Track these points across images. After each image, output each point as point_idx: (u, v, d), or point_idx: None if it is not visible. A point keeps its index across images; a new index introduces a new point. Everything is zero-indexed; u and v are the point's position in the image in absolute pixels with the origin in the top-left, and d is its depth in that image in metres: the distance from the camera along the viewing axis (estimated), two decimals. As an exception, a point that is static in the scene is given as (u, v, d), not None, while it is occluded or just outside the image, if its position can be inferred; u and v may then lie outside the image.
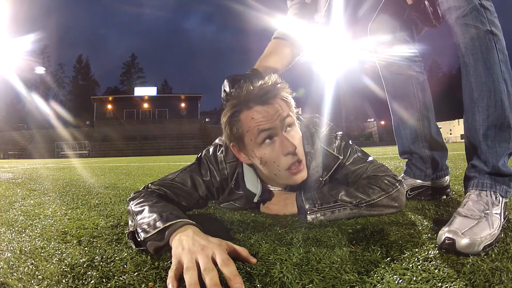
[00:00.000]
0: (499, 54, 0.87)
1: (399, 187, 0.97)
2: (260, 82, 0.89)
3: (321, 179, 1.03)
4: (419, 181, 1.27)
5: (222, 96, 0.98)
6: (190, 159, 8.77)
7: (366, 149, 1.13)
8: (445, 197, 1.27)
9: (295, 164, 0.90)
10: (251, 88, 0.88)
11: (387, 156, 6.00)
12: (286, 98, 0.93)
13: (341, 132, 1.08)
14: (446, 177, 1.27)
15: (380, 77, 1.34)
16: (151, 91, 40.92)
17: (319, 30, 1.22)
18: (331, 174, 1.04)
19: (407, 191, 1.25)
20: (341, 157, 1.02)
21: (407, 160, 1.34)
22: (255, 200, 1.04)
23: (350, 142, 1.08)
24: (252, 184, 1.01)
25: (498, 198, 0.83)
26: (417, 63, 1.24)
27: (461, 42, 0.91)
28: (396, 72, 1.25)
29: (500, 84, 0.86)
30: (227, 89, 0.94)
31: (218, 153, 1.03)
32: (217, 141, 1.10)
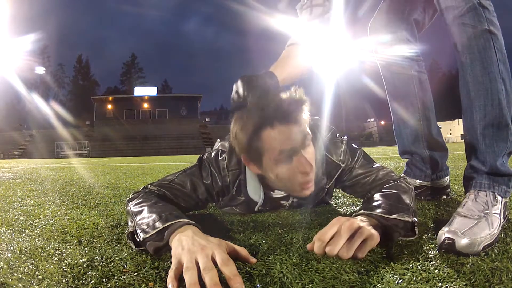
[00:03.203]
0: (497, 53, 0.86)
1: (412, 186, 0.96)
2: (286, 96, 0.83)
3: (326, 187, 1.03)
4: (419, 181, 1.27)
5: (233, 96, 0.89)
6: (190, 159, 8.77)
7: (366, 149, 1.12)
8: (445, 197, 1.27)
9: (308, 181, 0.89)
10: (276, 104, 0.81)
11: (387, 156, 6.00)
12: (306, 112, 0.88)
13: (346, 137, 1.07)
14: (446, 177, 1.27)
15: (380, 77, 1.34)
16: (151, 91, 40.97)
17: (326, 30, 1.20)
18: (334, 181, 1.03)
19: None
20: (343, 165, 1.00)
21: (407, 160, 1.34)
22: (256, 209, 1.03)
23: (354, 145, 1.07)
24: (254, 192, 1.00)
25: (497, 198, 0.83)
26: (418, 62, 1.24)
27: (458, 42, 0.90)
28: (397, 71, 1.25)
29: (497, 83, 0.86)
30: (241, 91, 0.86)
31: (220, 159, 1.00)
32: (218, 146, 1.07)
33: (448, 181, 1.28)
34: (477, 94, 0.88)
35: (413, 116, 1.25)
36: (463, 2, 0.87)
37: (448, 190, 1.29)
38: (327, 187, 1.04)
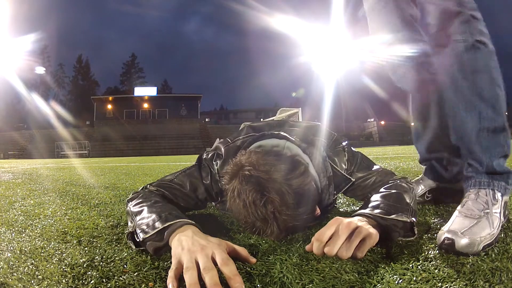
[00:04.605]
0: (489, 61, 0.89)
1: (413, 185, 0.96)
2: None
3: (334, 198, 1.02)
4: (437, 182, 1.23)
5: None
6: (190, 159, 8.76)
7: (366, 149, 1.12)
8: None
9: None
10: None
11: (387, 156, 6.00)
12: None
13: (346, 142, 1.07)
14: None
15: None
16: (151, 91, 40.94)
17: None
18: (342, 192, 1.02)
19: (424, 193, 1.22)
20: (353, 180, 0.98)
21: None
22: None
23: (353, 149, 1.07)
24: None
25: (497, 196, 0.83)
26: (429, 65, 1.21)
27: (450, 56, 0.92)
28: (413, 78, 1.21)
29: (492, 90, 0.87)
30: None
31: (214, 163, 0.99)
32: (215, 147, 1.06)
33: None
34: (471, 100, 0.89)
35: (432, 123, 1.20)
36: (456, 19, 0.89)
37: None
38: (335, 197, 1.04)
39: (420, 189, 1.23)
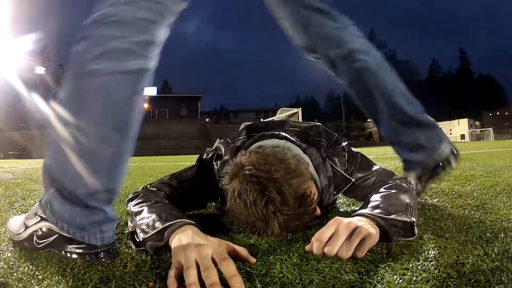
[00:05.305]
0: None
1: (413, 185, 0.96)
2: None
3: (334, 198, 1.02)
4: (418, 171, 1.17)
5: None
6: (190, 159, 8.76)
7: (366, 149, 1.12)
8: (452, 164, 1.16)
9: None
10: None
11: (387, 156, 6.00)
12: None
13: (346, 142, 1.07)
14: (440, 150, 1.16)
15: None
16: (151, 91, 40.96)
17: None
18: (342, 192, 1.02)
19: (417, 185, 1.18)
20: (353, 180, 0.98)
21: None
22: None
23: (353, 150, 1.07)
24: None
25: None
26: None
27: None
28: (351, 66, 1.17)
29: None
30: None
31: (214, 163, 0.99)
32: (215, 147, 1.06)
33: (443, 153, 1.16)
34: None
35: (373, 107, 1.18)
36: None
37: (450, 157, 1.16)
38: (335, 198, 1.04)
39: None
